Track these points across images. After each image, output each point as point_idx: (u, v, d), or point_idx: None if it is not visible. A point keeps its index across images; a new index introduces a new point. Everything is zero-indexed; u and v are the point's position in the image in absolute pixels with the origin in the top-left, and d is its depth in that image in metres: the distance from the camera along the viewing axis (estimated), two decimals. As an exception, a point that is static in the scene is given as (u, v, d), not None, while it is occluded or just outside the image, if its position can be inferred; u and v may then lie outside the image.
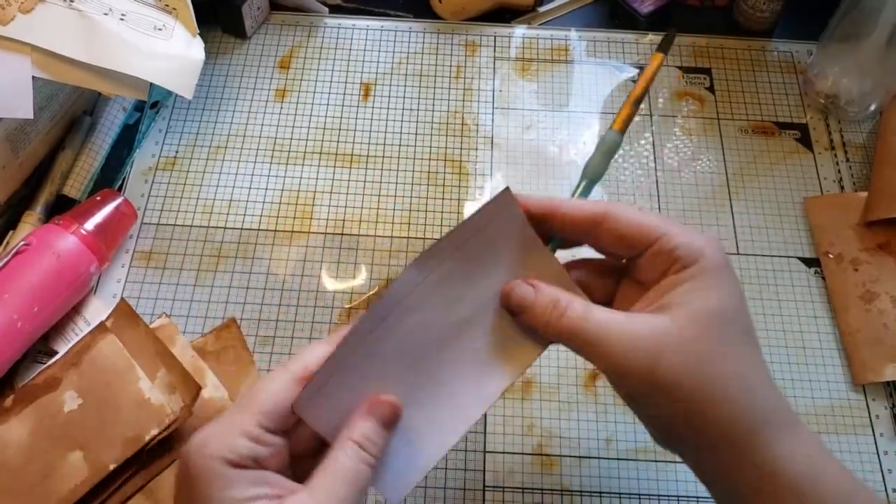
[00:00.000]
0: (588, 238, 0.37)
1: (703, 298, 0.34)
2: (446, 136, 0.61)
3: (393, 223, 0.56)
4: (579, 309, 0.35)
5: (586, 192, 0.40)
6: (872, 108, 0.61)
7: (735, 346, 0.34)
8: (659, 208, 0.57)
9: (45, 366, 0.46)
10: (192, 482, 0.31)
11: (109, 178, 0.57)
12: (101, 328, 0.46)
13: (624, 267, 0.38)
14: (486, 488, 0.47)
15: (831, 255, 0.55)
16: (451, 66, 0.64)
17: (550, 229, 0.37)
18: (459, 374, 0.36)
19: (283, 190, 0.58)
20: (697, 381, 0.33)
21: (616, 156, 0.44)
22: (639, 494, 0.47)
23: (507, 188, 0.36)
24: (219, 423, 0.33)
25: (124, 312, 0.47)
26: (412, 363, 0.35)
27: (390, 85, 0.63)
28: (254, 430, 0.32)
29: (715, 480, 0.35)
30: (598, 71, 0.64)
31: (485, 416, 0.49)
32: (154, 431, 0.42)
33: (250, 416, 0.33)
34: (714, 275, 0.34)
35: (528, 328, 0.36)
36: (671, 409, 0.33)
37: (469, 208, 0.57)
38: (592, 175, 0.40)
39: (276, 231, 0.56)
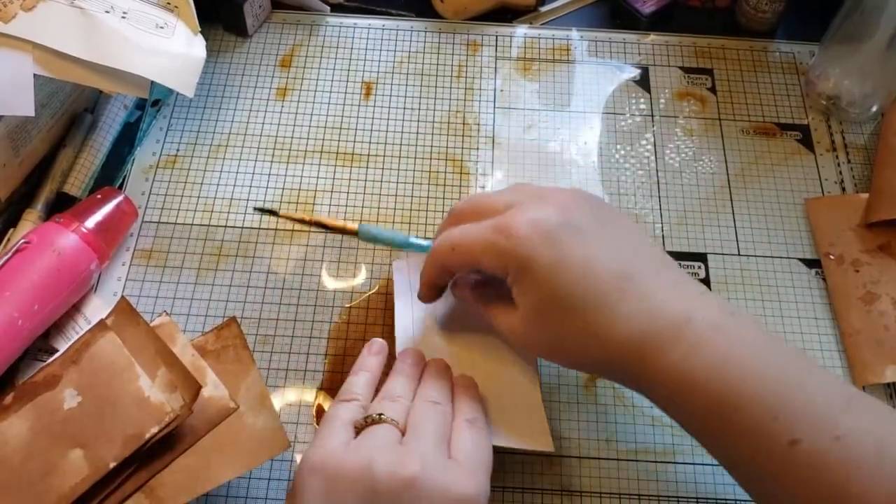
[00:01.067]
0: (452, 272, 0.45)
1: (527, 299, 0.40)
2: (447, 135, 0.61)
3: (394, 222, 0.56)
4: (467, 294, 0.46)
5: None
6: (874, 109, 0.61)
7: (568, 312, 0.39)
8: (660, 209, 0.57)
9: (45, 363, 0.45)
10: None
11: (110, 176, 0.57)
12: (101, 326, 0.46)
13: None
14: (486, 488, 0.47)
15: (832, 257, 0.55)
16: (452, 65, 0.64)
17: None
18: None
19: (283, 189, 0.57)
20: (554, 345, 0.41)
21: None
22: (638, 495, 0.47)
23: (392, 262, 0.50)
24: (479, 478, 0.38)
25: (124, 310, 0.47)
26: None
27: (391, 84, 0.63)
28: None
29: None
30: (600, 71, 0.64)
31: (485, 415, 0.49)
32: (154, 429, 0.42)
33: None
34: (529, 272, 0.39)
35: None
36: (562, 362, 0.42)
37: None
38: (401, 244, 0.51)
39: (276, 230, 0.56)
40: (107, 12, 0.51)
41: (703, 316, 0.37)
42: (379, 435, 0.38)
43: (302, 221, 0.49)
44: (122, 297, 0.49)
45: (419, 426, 0.39)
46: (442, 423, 0.39)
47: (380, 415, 0.39)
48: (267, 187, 0.57)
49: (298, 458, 0.48)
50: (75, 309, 0.50)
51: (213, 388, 0.46)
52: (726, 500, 0.47)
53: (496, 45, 0.65)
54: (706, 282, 0.55)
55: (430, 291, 0.46)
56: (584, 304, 0.38)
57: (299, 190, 0.57)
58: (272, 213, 0.50)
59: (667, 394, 0.38)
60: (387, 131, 0.61)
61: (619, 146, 0.60)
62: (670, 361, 0.37)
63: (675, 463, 0.48)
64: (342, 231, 0.47)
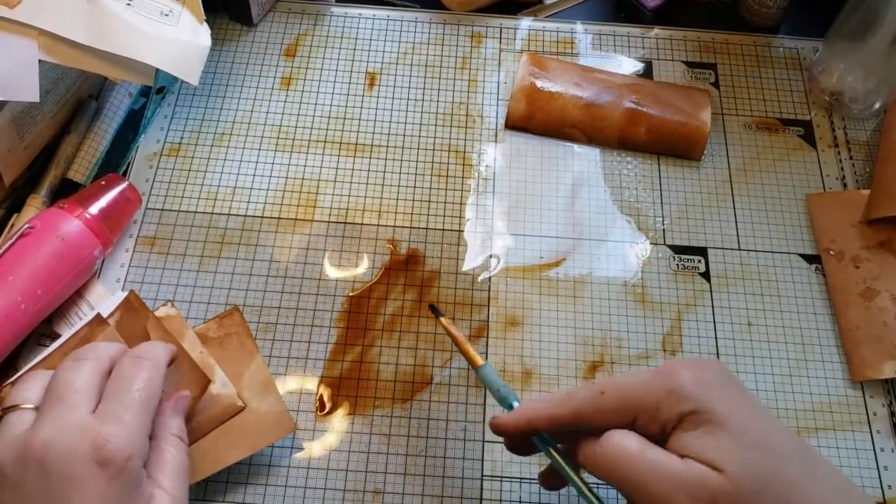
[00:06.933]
0: (586, 422, 0.36)
1: (743, 454, 0.32)
2: (450, 127, 0.61)
3: (396, 213, 0.56)
4: (634, 445, 0.33)
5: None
6: (877, 105, 0.61)
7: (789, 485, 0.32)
8: (661, 202, 0.58)
9: (44, 354, 0.46)
10: (112, 488, 0.34)
11: (114, 162, 0.57)
12: (98, 321, 0.46)
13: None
14: (484, 478, 0.47)
15: (832, 252, 0.55)
16: (456, 57, 0.64)
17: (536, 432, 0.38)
18: None
19: (287, 178, 0.58)
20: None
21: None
22: (636, 486, 0.47)
23: None
24: (125, 424, 0.36)
25: (132, 305, 0.48)
26: None
27: (395, 75, 0.63)
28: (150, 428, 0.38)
29: None
30: (604, 64, 0.64)
31: (484, 406, 0.50)
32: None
33: (149, 414, 0.37)
34: (737, 420, 0.33)
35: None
36: None
37: (472, 200, 0.57)
38: (503, 400, 0.40)
39: (279, 219, 0.56)
40: (112, -1, 0.51)
41: None
42: (10, 423, 0.37)
43: (447, 331, 0.45)
44: (131, 291, 0.49)
45: (53, 390, 0.37)
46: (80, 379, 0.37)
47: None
48: (270, 177, 0.58)
49: (302, 443, 0.48)
50: (78, 294, 0.50)
51: (222, 386, 0.46)
52: (723, 492, 0.47)
53: (500, 38, 0.65)
54: (706, 276, 0.55)
55: (524, 428, 0.38)
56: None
57: (302, 179, 0.58)
58: (437, 312, 0.47)
59: None
60: (390, 122, 0.61)
61: (621, 140, 0.61)
62: None
63: (672, 455, 0.48)
64: (469, 359, 0.43)
